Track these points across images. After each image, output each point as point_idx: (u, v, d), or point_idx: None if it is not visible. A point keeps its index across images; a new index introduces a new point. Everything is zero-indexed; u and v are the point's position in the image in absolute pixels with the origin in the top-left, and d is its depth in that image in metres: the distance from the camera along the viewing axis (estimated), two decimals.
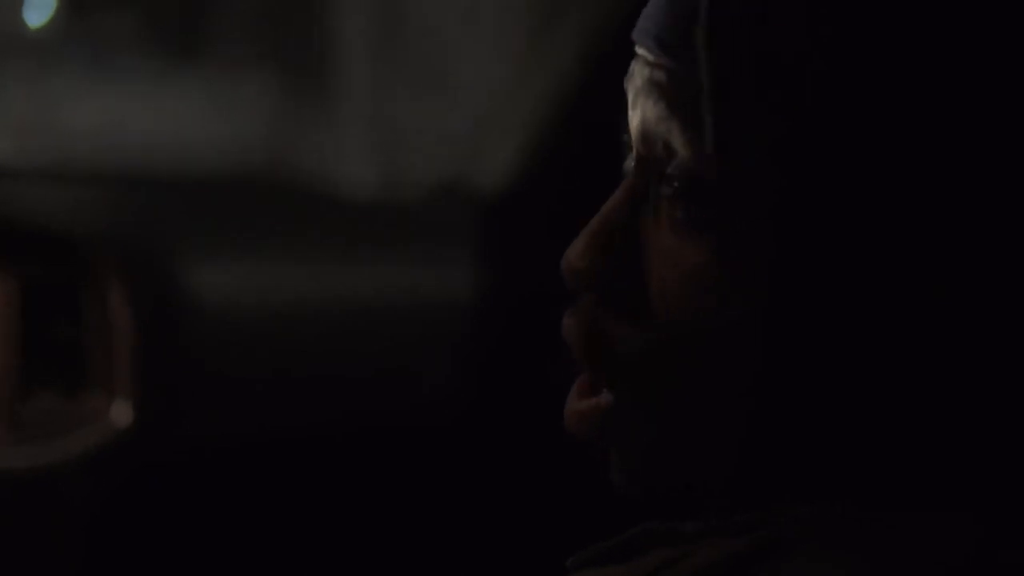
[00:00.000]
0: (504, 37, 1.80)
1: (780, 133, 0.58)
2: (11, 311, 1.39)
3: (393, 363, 1.50)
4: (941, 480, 0.59)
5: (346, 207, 1.68)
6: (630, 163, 0.66)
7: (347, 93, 1.87)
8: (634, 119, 0.64)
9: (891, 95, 0.57)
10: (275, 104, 1.85)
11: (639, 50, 0.64)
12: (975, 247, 0.58)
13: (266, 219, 1.61)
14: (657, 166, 0.62)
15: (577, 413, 0.65)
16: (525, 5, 1.78)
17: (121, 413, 1.38)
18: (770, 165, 0.58)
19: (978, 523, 0.58)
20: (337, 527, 1.46)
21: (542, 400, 1.56)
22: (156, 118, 1.77)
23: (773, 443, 0.60)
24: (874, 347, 0.58)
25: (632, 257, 0.63)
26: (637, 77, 0.63)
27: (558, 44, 1.60)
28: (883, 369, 0.58)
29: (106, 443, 1.36)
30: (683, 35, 0.60)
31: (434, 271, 1.57)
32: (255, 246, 1.55)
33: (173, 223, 1.55)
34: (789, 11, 0.58)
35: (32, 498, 1.35)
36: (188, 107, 1.82)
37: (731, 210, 0.59)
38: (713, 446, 0.61)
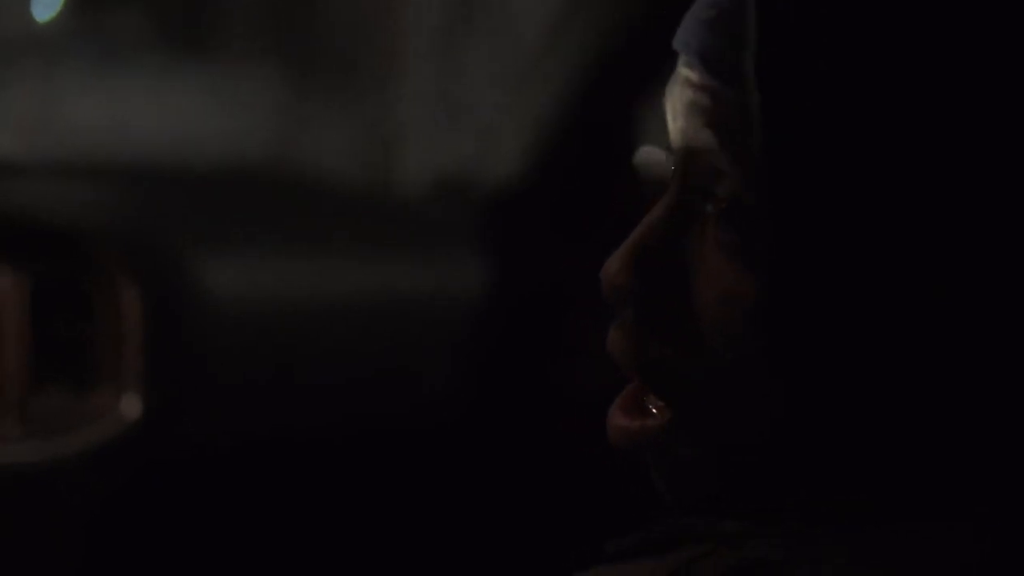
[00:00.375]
0: (509, 37, 1.81)
1: (831, 163, 0.57)
2: (20, 307, 1.40)
3: (396, 360, 1.51)
4: (953, 486, 0.60)
5: (350, 203, 1.69)
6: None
7: (352, 89, 1.88)
8: (676, 134, 0.63)
9: (945, 128, 0.57)
10: (280, 99, 1.86)
11: (683, 66, 0.62)
12: (1010, 262, 0.58)
13: (271, 215, 1.62)
14: (702, 184, 0.61)
15: (623, 430, 0.64)
16: (533, 9, 1.79)
17: (128, 408, 1.39)
18: (819, 195, 0.57)
19: (984, 531, 0.59)
20: (341, 525, 1.47)
21: (544, 398, 1.57)
22: (161, 113, 1.78)
23: (812, 460, 0.60)
24: (906, 373, 0.59)
25: (673, 274, 0.62)
26: (680, 94, 0.62)
27: (562, 48, 1.61)
28: (913, 391, 0.59)
29: (113, 438, 1.37)
30: (731, 59, 0.59)
31: (437, 268, 1.58)
32: (260, 242, 1.56)
33: (179, 218, 1.55)
34: (840, 41, 0.57)
35: (40, 492, 1.37)
36: (193, 102, 1.82)
37: (780, 238, 0.58)
38: (756, 465, 0.62)
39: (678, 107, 0.62)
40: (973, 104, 0.57)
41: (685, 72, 0.61)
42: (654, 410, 0.64)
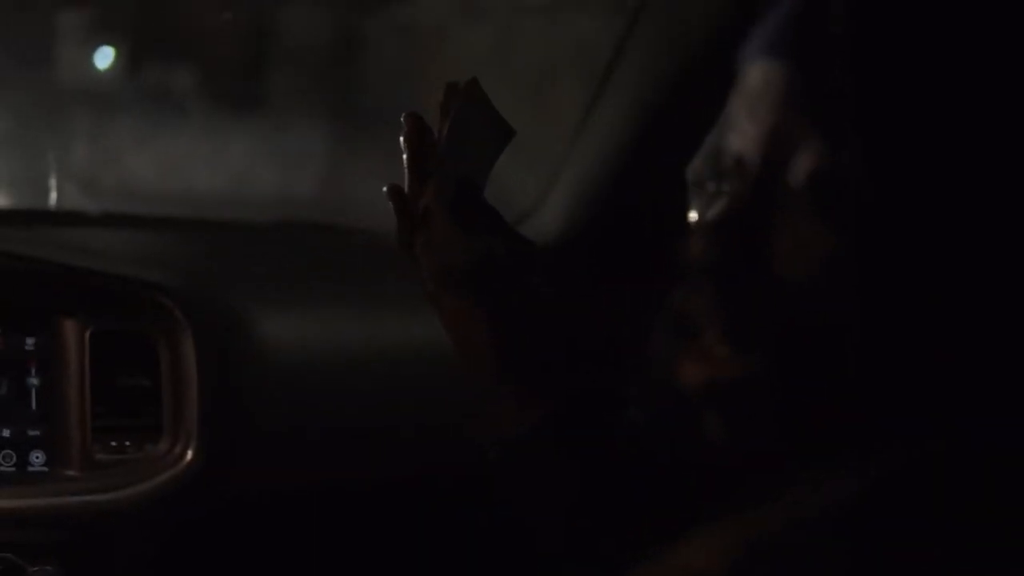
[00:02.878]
0: (562, 87, 1.83)
1: (914, 133, 0.64)
2: (82, 357, 1.44)
3: (448, 408, 1.53)
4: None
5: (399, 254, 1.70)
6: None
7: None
8: (758, 126, 0.70)
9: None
10: (330, 151, 1.88)
11: (759, 64, 0.71)
12: None
13: (323, 266, 1.65)
14: (783, 160, 0.68)
15: (704, 376, 0.71)
16: (578, 62, 1.81)
17: (187, 456, 1.42)
18: (904, 165, 0.64)
19: None
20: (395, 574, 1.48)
21: (604, 443, 1.58)
22: (216, 165, 1.81)
23: (878, 400, 0.67)
24: (976, 334, 0.65)
25: (757, 242, 0.69)
26: (758, 89, 0.70)
27: (610, 101, 1.63)
28: (979, 353, 0.66)
29: (173, 485, 1.40)
30: (816, 42, 0.67)
31: None
32: (312, 292, 1.58)
33: (234, 269, 1.58)
34: (916, 15, 0.64)
35: (102, 538, 1.39)
36: (246, 154, 1.85)
37: (867, 206, 0.65)
38: (828, 405, 0.68)
39: (760, 105, 0.70)
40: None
41: (765, 74, 0.70)
42: (726, 360, 0.71)
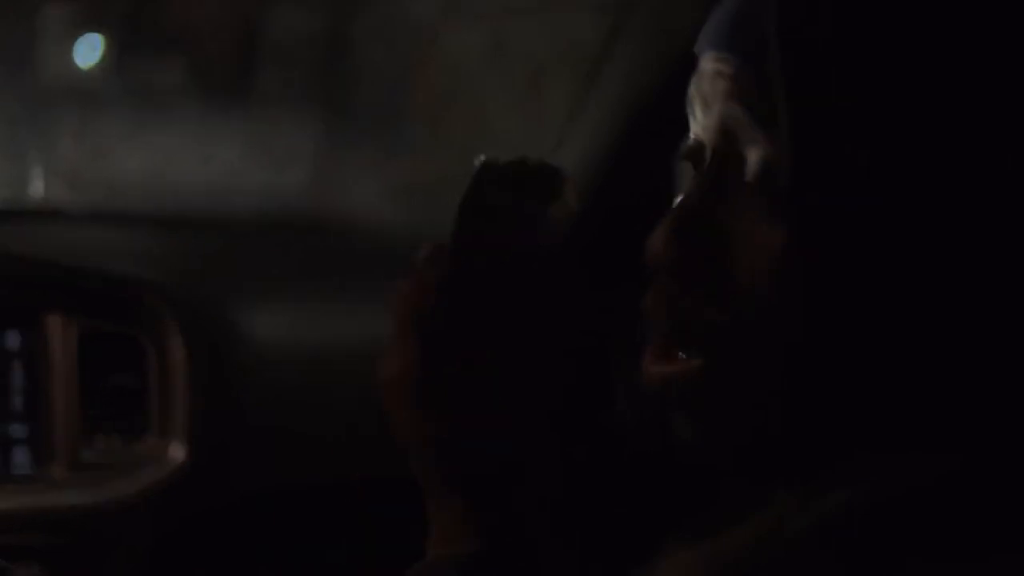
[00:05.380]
0: (551, 86, 1.83)
1: (853, 120, 0.64)
2: (70, 355, 1.42)
3: None
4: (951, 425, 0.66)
5: (390, 250, 1.70)
6: (691, 150, 0.73)
7: (390, 137, 1.90)
8: (709, 117, 0.71)
9: (963, 78, 0.64)
10: (319, 147, 1.88)
11: (709, 55, 0.71)
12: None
13: (311, 262, 1.64)
14: (734, 158, 0.69)
15: (661, 374, 0.71)
16: (571, 60, 1.81)
17: (175, 455, 1.40)
18: (846, 156, 0.64)
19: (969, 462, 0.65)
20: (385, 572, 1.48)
21: (589, 442, 1.57)
22: (202, 161, 1.80)
23: (839, 399, 0.67)
24: (927, 321, 0.65)
25: (711, 241, 0.69)
26: (708, 79, 0.71)
27: (601, 97, 1.62)
28: (933, 341, 0.65)
29: (161, 484, 1.39)
30: (756, 43, 0.67)
31: None
32: (301, 289, 1.57)
33: (221, 266, 1.57)
34: (855, 6, 0.64)
35: (89, 536, 1.38)
36: (233, 150, 1.84)
37: (809, 197, 0.65)
38: (787, 403, 0.68)
39: (710, 95, 0.70)
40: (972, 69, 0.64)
41: (715, 65, 0.70)
42: (683, 360, 0.71)
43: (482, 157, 0.97)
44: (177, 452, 1.40)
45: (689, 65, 0.75)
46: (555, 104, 1.83)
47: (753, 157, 0.68)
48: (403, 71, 1.93)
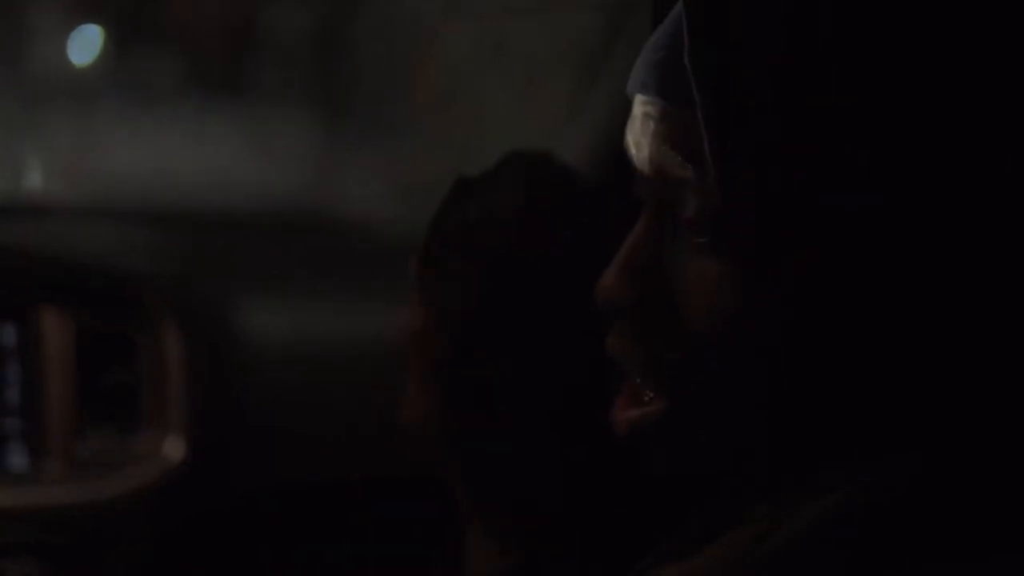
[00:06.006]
0: (551, 86, 1.83)
1: (774, 151, 0.65)
2: (65, 350, 1.41)
3: None
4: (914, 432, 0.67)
5: (390, 247, 1.69)
6: (641, 193, 0.73)
7: (387, 133, 1.90)
8: (643, 160, 0.71)
9: (884, 102, 0.64)
10: (316, 142, 1.87)
11: (641, 104, 0.72)
12: (975, 247, 0.65)
13: (308, 259, 1.63)
14: (673, 197, 0.70)
15: (627, 420, 0.72)
16: (569, 57, 1.81)
17: (172, 451, 1.40)
18: (770, 184, 0.65)
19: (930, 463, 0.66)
20: (386, 572, 1.47)
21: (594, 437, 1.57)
22: (198, 156, 1.79)
23: (804, 418, 0.68)
24: (872, 334, 0.66)
25: (660, 281, 0.70)
26: (642, 127, 0.71)
27: (600, 95, 1.63)
28: (880, 351, 0.66)
29: (157, 481, 1.38)
30: (682, 86, 0.67)
31: None
32: (298, 285, 1.57)
33: (218, 262, 1.57)
34: (771, 38, 0.65)
35: (85, 534, 1.37)
36: (230, 145, 1.84)
37: (742, 228, 0.66)
38: (754, 429, 0.69)
39: (642, 139, 0.71)
40: (918, 75, 0.64)
41: (644, 108, 0.71)
42: (649, 401, 0.72)
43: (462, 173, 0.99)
44: (174, 450, 1.39)
45: None
46: (555, 104, 1.83)
47: (687, 195, 0.68)
48: (403, 71, 1.93)
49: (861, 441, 0.67)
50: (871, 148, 0.64)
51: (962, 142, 0.64)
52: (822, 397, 0.67)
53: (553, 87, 1.86)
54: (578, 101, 1.70)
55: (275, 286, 1.55)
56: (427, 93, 1.87)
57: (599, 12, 1.72)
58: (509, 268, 1.01)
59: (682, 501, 0.78)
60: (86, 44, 1.91)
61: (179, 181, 1.75)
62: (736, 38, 0.65)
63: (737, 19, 0.65)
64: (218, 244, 1.63)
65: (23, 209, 1.68)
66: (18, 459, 1.40)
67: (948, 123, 0.64)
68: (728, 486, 0.72)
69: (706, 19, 0.66)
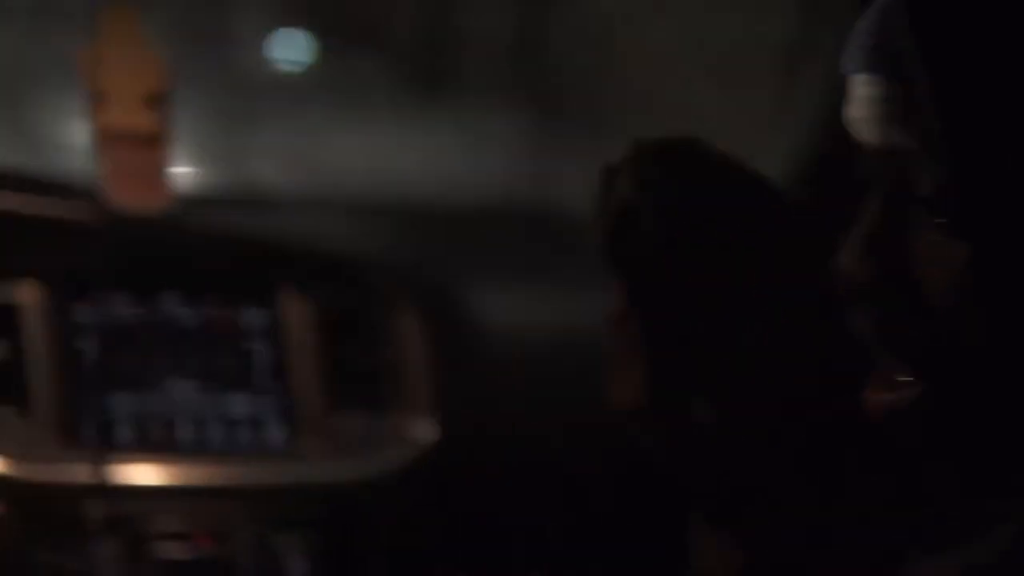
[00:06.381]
0: (753, 70, 1.84)
1: (1012, 125, 0.64)
2: (310, 331, 1.45)
3: None
4: None
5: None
6: (869, 172, 0.73)
7: (596, 124, 1.91)
8: (872, 138, 0.70)
9: None
10: (527, 135, 1.90)
11: (857, 78, 0.70)
12: None
13: (530, 248, 1.66)
14: (905, 175, 0.68)
15: (883, 404, 0.71)
16: (774, 47, 1.81)
17: (424, 432, 1.43)
18: (1011, 161, 0.64)
19: None
20: (625, 549, 1.48)
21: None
22: (412, 151, 1.82)
23: None
24: None
25: (900, 259, 0.69)
26: (863, 102, 0.70)
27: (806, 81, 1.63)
28: None
29: (415, 460, 1.42)
30: (895, 54, 0.67)
31: None
32: (521, 274, 1.60)
33: (447, 252, 1.60)
34: (1006, 10, 0.64)
35: (345, 510, 1.41)
36: (442, 139, 1.87)
37: (981, 207, 0.65)
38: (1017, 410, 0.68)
39: (869, 118, 0.70)
40: None
41: (866, 88, 0.69)
42: (904, 384, 0.70)
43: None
44: (426, 431, 1.42)
45: None
46: (760, 94, 1.84)
47: (920, 173, 0.68)
48: (608, 67, 1.95)
49: None
50: None
51: None
52: None
53: (756, 77, 1.87)
54: (783, 89, 1.70)
55: (498, 275, 1.58)
56: (631, 86, 1.90)
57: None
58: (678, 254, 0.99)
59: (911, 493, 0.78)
60: (294, 46, 1.95)
61: (399, 177, 1.79)
62: (966, 13, 0.65)
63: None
64: (442, 234, 1.66)
65: (257, 201, 1.73)
66: (275, 437, 1.44)
67: None
68: (986, 485, 0.71)
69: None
